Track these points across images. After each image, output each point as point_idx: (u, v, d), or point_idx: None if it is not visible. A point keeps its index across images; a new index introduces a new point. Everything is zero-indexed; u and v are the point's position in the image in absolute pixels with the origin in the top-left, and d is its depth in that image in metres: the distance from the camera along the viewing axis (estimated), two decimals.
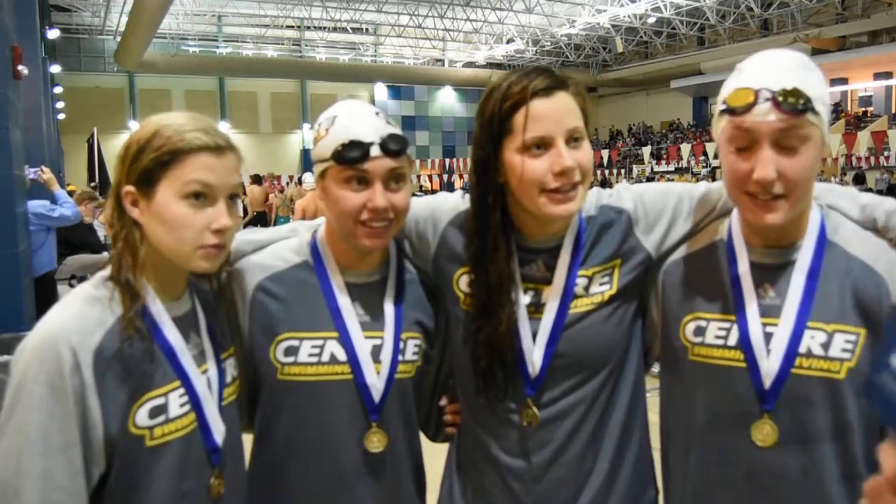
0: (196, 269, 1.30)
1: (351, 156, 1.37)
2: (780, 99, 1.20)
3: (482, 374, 1.43)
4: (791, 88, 1.21)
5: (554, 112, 1.33)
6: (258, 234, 1.61)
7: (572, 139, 1.34)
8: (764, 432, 1.29)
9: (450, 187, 23.98)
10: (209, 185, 1.24)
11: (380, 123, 1.41)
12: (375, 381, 1.44)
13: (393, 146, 1.39)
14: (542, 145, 1.33)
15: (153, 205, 1.24)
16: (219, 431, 1.32)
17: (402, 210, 1.43)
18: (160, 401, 1.24)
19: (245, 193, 13.99)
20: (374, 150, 1.37)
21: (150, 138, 1.24)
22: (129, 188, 1.25)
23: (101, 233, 8.19)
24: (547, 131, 1.33)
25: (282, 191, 16.56)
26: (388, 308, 1.49)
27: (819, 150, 1.26)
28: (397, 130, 1.43)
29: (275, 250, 1.54)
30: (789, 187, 1.23)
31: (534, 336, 1.41)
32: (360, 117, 1.41)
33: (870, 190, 13.41)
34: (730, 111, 1.25)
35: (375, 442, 1.44)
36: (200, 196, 1.24)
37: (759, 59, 1.28)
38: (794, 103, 1.20)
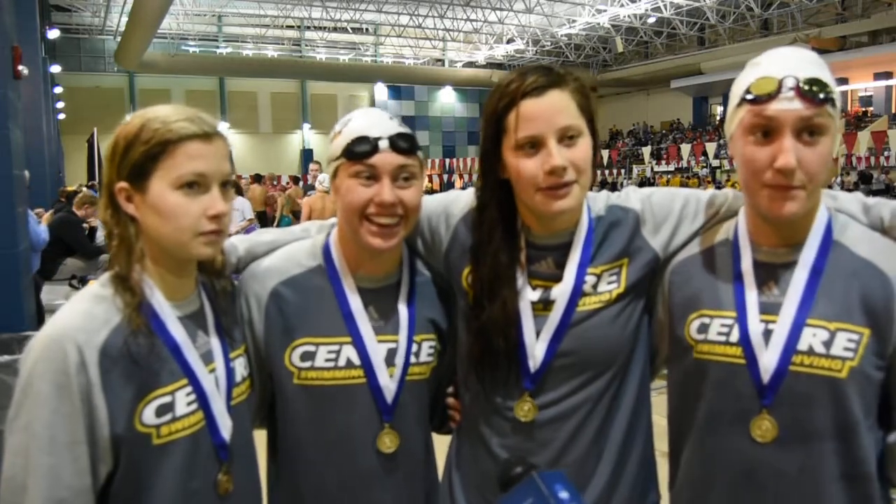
0: (198, 257, 1.30)
1: (359, 150, 1.39)
2: (805, 88, 1.22)
3: (479, 363, 1.44)
4: (814, 77, 1.23)
5: (544, 111, 1.34)
6: (270, 234, 1.61)
7: (566, 137, 1.34)
8: (763, 428, 1.29)
9: (450, 187, 23.98)
10: (202, 173, 1.24)
11: (391, 124, 1.43)
12: (388, 382, 1.45)
13: (402, 143, 1.40)
14: (534, 144, 1.34)
15: (148, 197, 1.24)
16: (226, 427, 1.32)
17: (411, 207, 1.43)
18: (167, 399, 1.24)
19: (241, 193, 13.95)
20: (383, 144, 1.39)
21: (138, 132, 1.24)
22: (122, 184, 1.25)
23: (102, 233, 8.19)
24: (537, 131, 1.33)
25: (284, 191, 16.53)
26: (402, 311, 1.49)
27: (833, 145, 1.27)
28: (409, 131, 1.44)
29: (289, 253, 1.54)
30: (808, 177, 1.24)
31: (539, 332, 1.41)
32: (372, 118, 1.44)
33: (871, 191, 13.42)
34: (752, 100, 1.26)
35: (388, 443, 1.45)
36: (194, 185, 1.24)
37: (777, 52, 1.31)
38: (817, 91, 1.22)
